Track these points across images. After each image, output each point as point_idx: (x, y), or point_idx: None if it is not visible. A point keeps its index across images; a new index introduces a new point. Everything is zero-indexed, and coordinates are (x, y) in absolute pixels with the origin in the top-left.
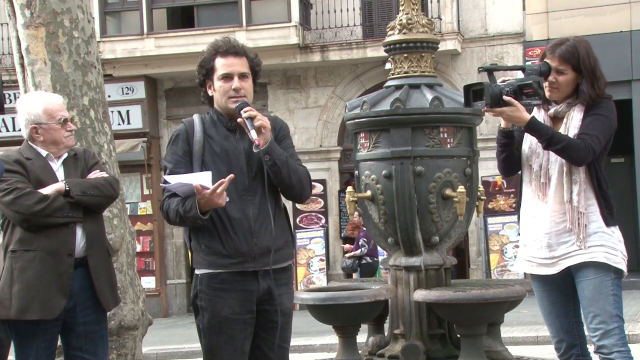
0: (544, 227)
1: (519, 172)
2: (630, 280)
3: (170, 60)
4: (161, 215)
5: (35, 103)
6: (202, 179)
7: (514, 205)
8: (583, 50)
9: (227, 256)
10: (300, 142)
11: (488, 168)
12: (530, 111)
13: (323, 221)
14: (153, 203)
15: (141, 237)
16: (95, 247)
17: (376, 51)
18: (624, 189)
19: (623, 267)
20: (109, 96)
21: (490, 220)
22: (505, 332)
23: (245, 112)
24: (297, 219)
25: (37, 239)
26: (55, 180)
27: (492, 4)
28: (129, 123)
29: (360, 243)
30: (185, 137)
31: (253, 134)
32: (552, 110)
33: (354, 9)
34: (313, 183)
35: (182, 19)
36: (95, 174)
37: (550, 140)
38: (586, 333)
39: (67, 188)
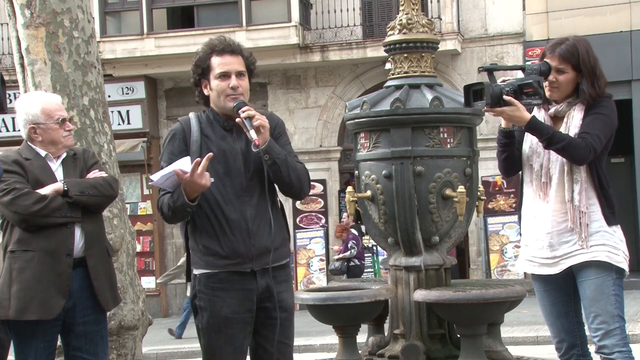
0: (545, 226)
1: (520, 172)
2: (630, 280)
3: (170, 60)
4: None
5: (33, 103)
6: (180, 164)
7: (514, 205)
8: (583, 50)
9: (225, 257)
10: (300, 142)
11: (488, 168)
12: (530, 111)
13: (323, 221)
14: (153, 203)
15: (141, 237)
16: (95, 247)
17: (376, 51)
18: (624, 189)
19: (625, 266)
20: (109, 96)
21: (490, 220)
22: (505, 332)
23: (243, 111)
24: (297, 219)
25: (36, 239)
26: (54, 180)
27: (492, 4)
28: (129, 123)
29: (349, 245)
30: (182, 136)
31: (252, 134)
32: (552, 110)
33: (354, 9)
34: (313, 183)
35: (182, 19)
36: (94, 174)
37: (551, 139)
38: (587, 333)
39: (66, 188)
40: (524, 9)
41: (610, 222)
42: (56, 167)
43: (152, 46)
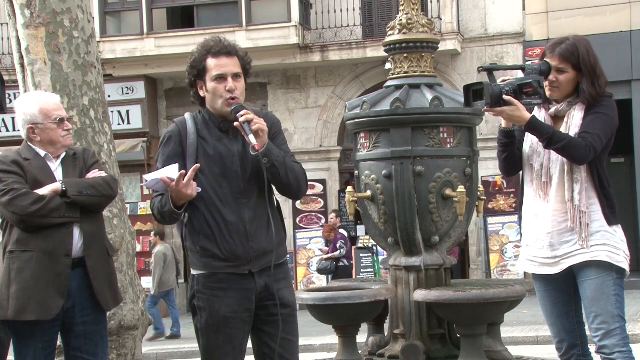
0: (545, 226)
1: (520, 172)
2: (630, 280)
3: (170, 60)
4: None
5: (31, 103)
6: (169, 171)
7: (514, 205)
8: (583, 49)
9: (223, 259)
10: (300, 142)
11: (488, 168)
12: (530, 110)
13: (323, 221)
14: None
15: (141, 237)
16: (94, 247)
17: (376, 51)
18: (624, 189)
19: (625, 266)
20: (109, 96)
21: (490, 220)
22: (505, 332)
23: (241, 115)
24: (297, 219)
25: (34, 240)
26: (53, 180)
27: (492, 4)
28: (129, 123)
29: (338, 245)
30: (178, 139)
31: (252, 139)
32: (552, 110)
33: (354, 9)
34: (313, 183)
35: (182, 19)
36: (93, 174)
37: (551, 139)
38: (588, 333)
39: (64, 188)
40: (524, 9)
41: (610, 222)
42: (56, 167)
43: (152, 46)
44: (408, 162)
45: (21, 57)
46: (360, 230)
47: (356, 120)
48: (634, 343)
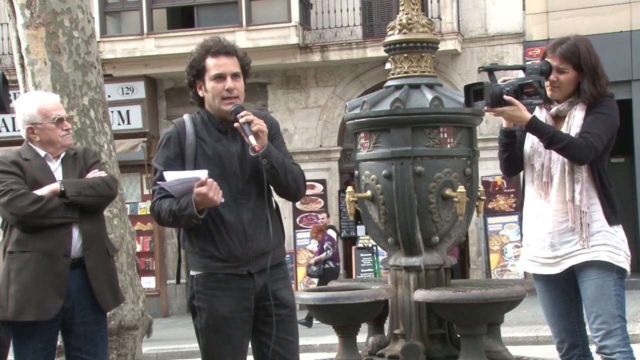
0: (546, 226)
1: (521, 172)
2: (630, 280)
3: (170, 60)
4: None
5: (30, 103)
6: (199, 175)
7: (514, 205)
8: (584, 49)
9: (222, 260)
10: (300, 142)
11: (488, 168)
12: (531, 110)
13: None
14: None
15: (141, 237)
16: (93, 247)
17: (376, 51)
18: (624, 189)
19: (626, 266)
20: (109, 96)
21: (490, 220)
22: (505, 332)
23: (241, 116)
24: (297, 219)
25: (33, 240)
26: (53, 180)
27: (492, 4)
28: (129, 123)
29: (325, 246)
30: (177, 140)
31: (252, 140)
32: (553, 110)
33: (354, 9)
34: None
35: (182, 19)
36: (93, 174)
37: (552, 139)
38: (588, 333)
39: (63, 189)
40: (524, 9)
41: (611, 221)
42: (55, 167)
43: (152, 46)
44: (408, 162)
45: (21, 57)
46: (360, 230)
47: (356, 120)
48: (634, 343)
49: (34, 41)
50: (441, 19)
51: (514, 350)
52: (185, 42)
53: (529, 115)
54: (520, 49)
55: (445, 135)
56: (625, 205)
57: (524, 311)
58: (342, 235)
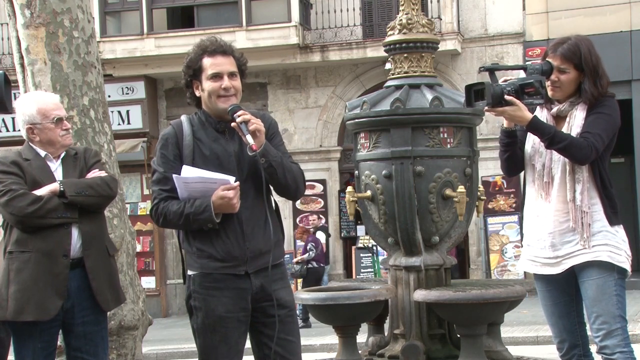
0: (547, 226)
1: (521, 172)
2: (631, 280)
3: (170, 60)
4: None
5: (30, 103)
6: (227, 179)
7: (514, 205)
8: (585, 49)
9: (220, 260)
10: (300, 142)
11: (488, 168)
12: (532, 110)
13: (323, 221)
14: None
15: (141, 237)
16: (93, 247)
17: (376, 51)
18: (624, 189)
19: (627, 266)
20: (109, 96)
21: (490, 220)
22: (505, 332)
23: (238, 116)
24: (297, 219)
25: (33, 240)
26: (53, 180)
27: (492, 4)
28: (129, 123)
29: (308, 247)
30: (175, 141)
31: (249, 139)
32: (554, 109)
33: (354, 9)
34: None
35: (182, 19)
36: (93, 173)
37: (553, 139)
38: (589, 333)
39: (62, 189)
40: (524, 9)
41: (612, 222)
42: (56, 167)
43: (152, 46)
44: (408, 162)
45: (21, 57)
46: (360, 230)
47: (356, 120)
48: (635, 343)
49: (34, 41)
50: (441, 19)
51: (514, 350)
52: (185, 42)
53: (529, 115)
54: (520, 49)
55: (445, 135)
56: (625, 205)
57: (524, 311)
58: (342, 235)
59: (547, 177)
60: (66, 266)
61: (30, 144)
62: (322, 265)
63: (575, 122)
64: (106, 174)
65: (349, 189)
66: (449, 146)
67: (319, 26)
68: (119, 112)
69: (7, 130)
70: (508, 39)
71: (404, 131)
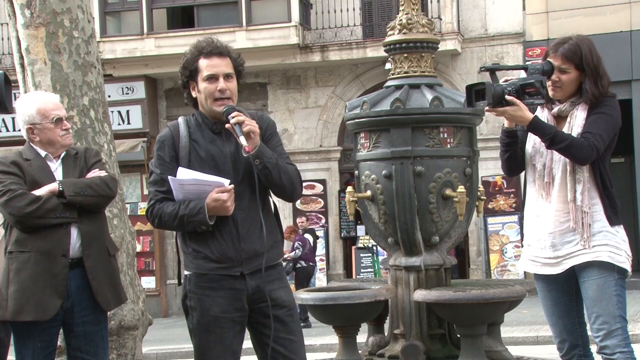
0: (547, 226)
1: (521, 172)
2: (631, 280)
3: (170, 60)
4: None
5: (29, 103)
6: (222, 181)
7: (514, 205)
8: (586, 49)
9: (215, 261)
10: (300, 142)
11: (488, 168)
12: (533, 110)
13: (323, 221)
14: None
15: (141, 237)
16: (93, 247)
17: (376, 51)
18: (624, 189)
19: (627, 266)
20: (109, 96)
21: (490, 220)
22: (505, 332)
23: (233, 117)
24: (297, 219)
25: (32, 240)
26: (52, 180)
27: (492, 4)
28: (129, 123)
29: (294, 246)
30: (171, 143)
31: (242, 140)
32: (555, 110)
33: (354, 9)
34: (313, 183)
35: (182, 19)
36: (93, 173)
37: (553, 139)
38: (589, 333)
39: (61, 188)
40: (524, 9)
41: (612, 222)
42: (56, 166)
43: (152, 46)
44: (408, 162)
45: (21, 57)
46: (360, 230)
47: (356, 120)
48: (635, 343)
49: (34, 41)
50: (441, 19)
51: (514, 350)
52: (185, 42)
53: (530, 115)
54: (520, 49)
55: (445, 135)
56: (625, 205)
57: (524, 311)
58: (342, 235)
59: (548, 177)
60: (65, 266)
61: (31, 144)
62: (311, 264)
63: (576, 122)
64: (106, 174)
65: (349, 189)
66: (449, 146)
67: (319, 26)
68: (119, 112)
69: (7, 130)
70: (508, 39)
71: (404, 131)
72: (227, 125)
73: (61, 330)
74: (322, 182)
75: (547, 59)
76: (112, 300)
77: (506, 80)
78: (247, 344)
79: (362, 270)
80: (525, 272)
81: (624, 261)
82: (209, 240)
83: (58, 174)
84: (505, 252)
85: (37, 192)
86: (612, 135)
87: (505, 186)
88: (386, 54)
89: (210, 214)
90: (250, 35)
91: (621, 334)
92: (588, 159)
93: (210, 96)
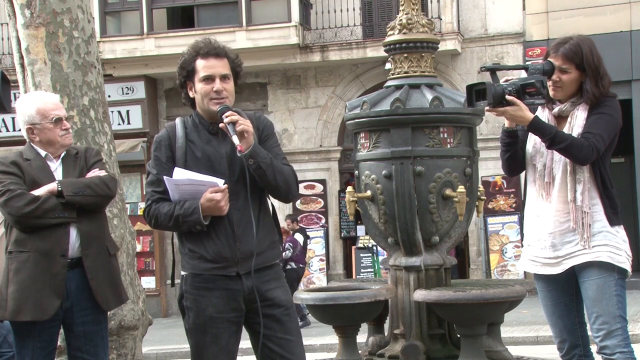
0: (547, 226)
1: (521, 173)
2: (631, 280)
3: (170, 60)
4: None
5: (29, 104)
6: (216, 182)
7: (514, 205)
8: (587, 49)
9: (211, 261)
10: (300, 142)
11: (488, 168)
12: (534, 110)
13: (323, 221)
14: None
15: (141, 237)
16: (92, 247)
17: (376, 51)
18: (624, 189)
19: (627, 266)
20: (109, 96)
21: (490, 220)
22: (505, 332)
23: (226, 117)
24: (297, 219)
25: (31, 240)
26: (52, 180)
27: (492, 4)
28: (129, 123)
29: (286, 246)
30: (168, 143)
31: (235, 140)
32: (556, 110)
33: (354, 9)
34: (313, 183)
35: (182, 19)
36: (94, 173)
37: (554, 139)
38: (589, 333)
39: (59, 188)
40: (524, 9)
41: (612, 222)
42: (56, 166)
43: (152, 46)
44: (408, 162)
45: (21, 57)
46: (360, 230)
47: (356, 120)
48: (635, 343)
49: (34, 41)
50: (441, 19)
51: (514, 350)
52: (185, 42)
53: (530, 116)
54: (520, 49)
55: (445, 135)
56: (625, 205)
57: (524, 311)
58: (342, 235)
59: (548, 177)
60: (64, 266)
61: (32, 144)
62: (301, 265)
63: (576, 122)
64: (105, 174)
65: (349, 189)
66: (449, 146)
67: (319, 26)
68: (119, 112)
69: (7, 130)
70: (508, 39)
71: (404, 131)
72: (220, 125)
73: (61, 330)
74: (322, 182)
75: (548, 59)
76: (113, 300)
77: (507, 80)
78: (247, 344)
79: (362, 270)
80: (525, 272)
81: (624, 261)
82: (205, 240)
83: (58, 173)
84: (505, 252)
85: (36, 192)
86: (612, 136)
87: (505, 186)
88: (386, 54)
89: (205, 214)
90: (250, 35)
91: (621, 334)
92: (588, 159)
93: (206, 97)
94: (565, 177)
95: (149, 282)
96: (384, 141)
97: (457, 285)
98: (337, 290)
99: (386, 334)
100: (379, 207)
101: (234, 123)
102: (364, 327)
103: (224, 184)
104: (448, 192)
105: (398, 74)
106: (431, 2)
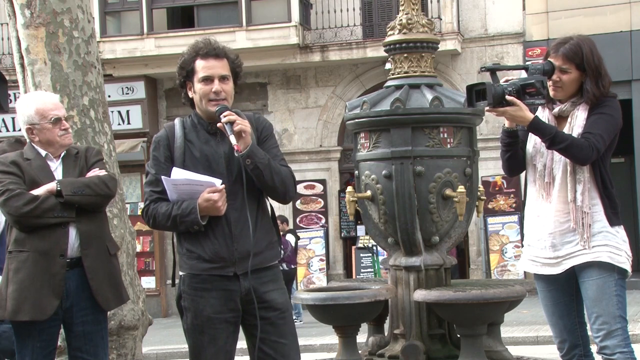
0: (548, 226)
1: (521, 173)
2: (631, 280)
3: (170, 60)
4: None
5: (28, 104)
6: (214, 182)
7: (514, 205)
8: (587, 49)
9: (208, 261)
10: (300, 142)
11: (488, 168)
12: (534, 110)
13: (323, 221)
14: None
15: (141, 237)
16: (92, 246)
17: (376, 51)
18: (624, 189)
19: (627, 267)
20: (109, 96)
21: (490, 220)
22: (505, 332)
23: (224, 116)
24: (297, 219)
25: (30, 240)
26: (52, 179)
27: (492, 4)
28: (129, 123)
29: None
30: (166, 143)
31: (232, 139)
32: (556, 110)
33: (354, 9)
34: (313, 183)
35: (182, 19)
36: (93, 172)
37: (554, 139)
38: (589, 333)
39: (59, 188)
40: (524, 9)
41: (612, 222)
42: (56, 166)
43: (152, 46)
44: (408, 162)
45: (21, 57)
46: (360, 230)
47: (356, 120)
48: (635, 343)
49: (34, 41)
50: (441, 19)
51: (514, 350)
52: (185, 42)
53: (531, 116)
54: (520, 49)
55: (445, 135)
56: (625, 205)
57: (524, 311)
58: (342, 235)
59: (548, 178)
60: (63, 266)
61: (32, 144)
62: (292, 267)
63: (576, 123)
64: (105, 173)
65: (349, 189)
66: (449, 146)
67: (319, 26)
68: (119, 112)
69: (7, 130)
70: (508, 39)
71: (404, 131)
72: (218, 124)
73: (61, 330)
74: (322, 182)
75: (548, 59)
76: (113, 299)
77: (507, 80)
78: (245, 344)
79: (362, 270)
80: (525, 272)
81: (624, 261)
82: (202, 240)
83: (58, 173)
84: (505, 252)
85: (35, 192)
86: (612, 136)
87: (505, 186)
88: (386, 54)
89: (203, 214)
90: (250, 35)
91: (621, 334)
92: (588, 160)
93: (205, 97)
94: (566, 177)
95: (149, 282)
96: (384, 141)
97: (457, 285)
98: (337, 290)
99: (386, 334)
100: (379, 207)
101: (231, 123)
102: (364, 327)
103: (221, 184)
104: (448, 192)
105: (398, 74)
106: (431, 2)
